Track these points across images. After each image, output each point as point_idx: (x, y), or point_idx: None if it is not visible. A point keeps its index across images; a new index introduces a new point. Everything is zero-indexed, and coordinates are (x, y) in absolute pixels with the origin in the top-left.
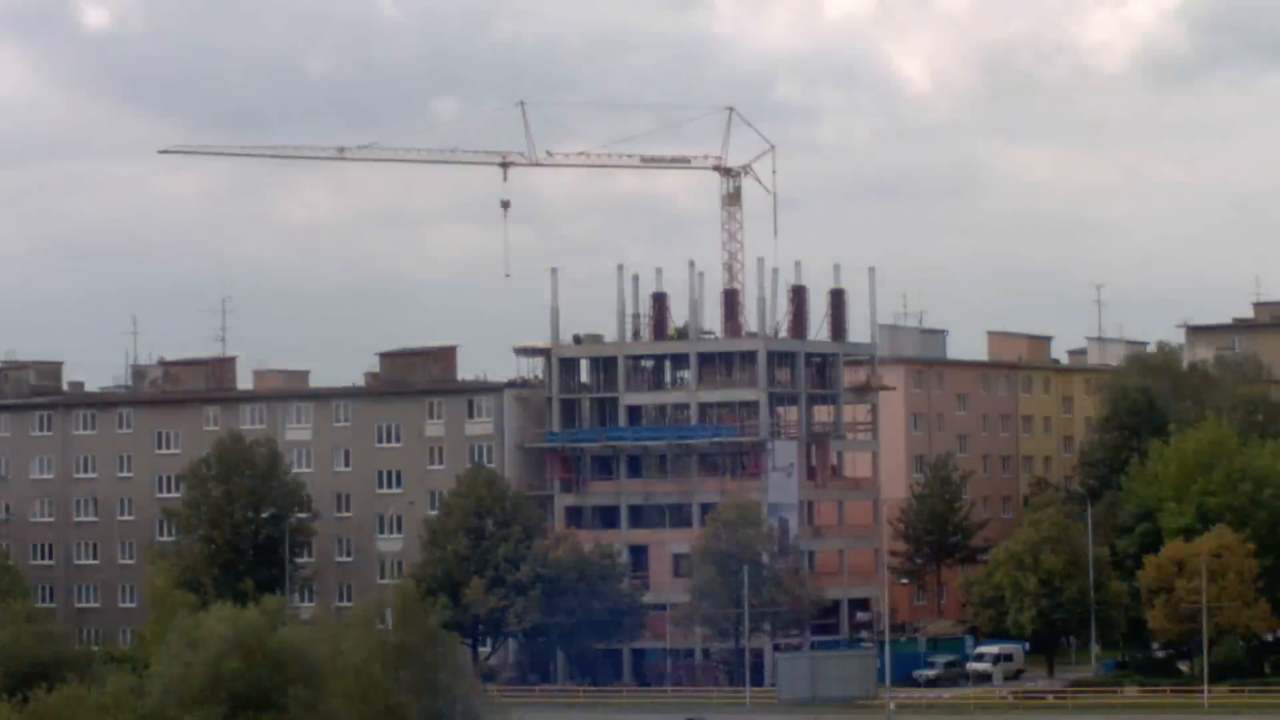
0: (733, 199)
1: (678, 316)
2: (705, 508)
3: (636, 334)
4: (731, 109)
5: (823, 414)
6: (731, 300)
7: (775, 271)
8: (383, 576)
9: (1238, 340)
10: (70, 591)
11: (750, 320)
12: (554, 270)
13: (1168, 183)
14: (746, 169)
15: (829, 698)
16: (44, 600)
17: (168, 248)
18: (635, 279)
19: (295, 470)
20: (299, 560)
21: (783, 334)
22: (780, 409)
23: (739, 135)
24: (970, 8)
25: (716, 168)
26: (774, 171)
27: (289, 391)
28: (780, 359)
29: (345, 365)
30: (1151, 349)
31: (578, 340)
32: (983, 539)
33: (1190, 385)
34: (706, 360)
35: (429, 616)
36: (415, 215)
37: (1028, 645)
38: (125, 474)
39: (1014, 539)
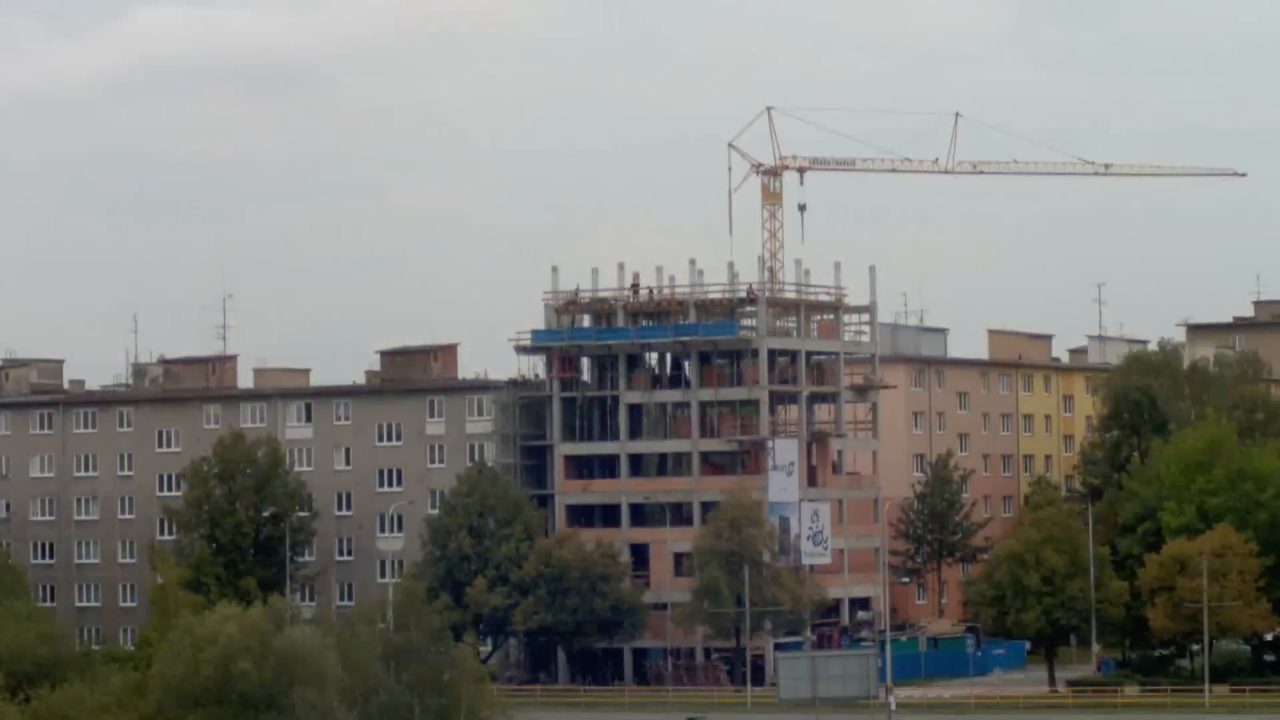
0: (773, 198)
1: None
2: (706, 507)
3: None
4: (770, 108)
5: (823, 413)
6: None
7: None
8: (383, 575)
9: (1238, 339)
10: (71, 591)
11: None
12: (554, 268)
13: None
14: (782, 168)
15: (829, 698)
16: (44, 600)
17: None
18: (636, 277)
19: (296, 469)
20: (300, 559)
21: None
22: (780, 408)
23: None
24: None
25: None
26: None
27: (289, 390)
28: (780, 357)
29: (345, 364)
30: (1151, 348)
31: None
32: (983, 538)
33: (1190, 385)
34: (706, 359)
35: (431, 616)
36: None
37: (1029, 644)
38: (125, 473)
39: (1014, 538)
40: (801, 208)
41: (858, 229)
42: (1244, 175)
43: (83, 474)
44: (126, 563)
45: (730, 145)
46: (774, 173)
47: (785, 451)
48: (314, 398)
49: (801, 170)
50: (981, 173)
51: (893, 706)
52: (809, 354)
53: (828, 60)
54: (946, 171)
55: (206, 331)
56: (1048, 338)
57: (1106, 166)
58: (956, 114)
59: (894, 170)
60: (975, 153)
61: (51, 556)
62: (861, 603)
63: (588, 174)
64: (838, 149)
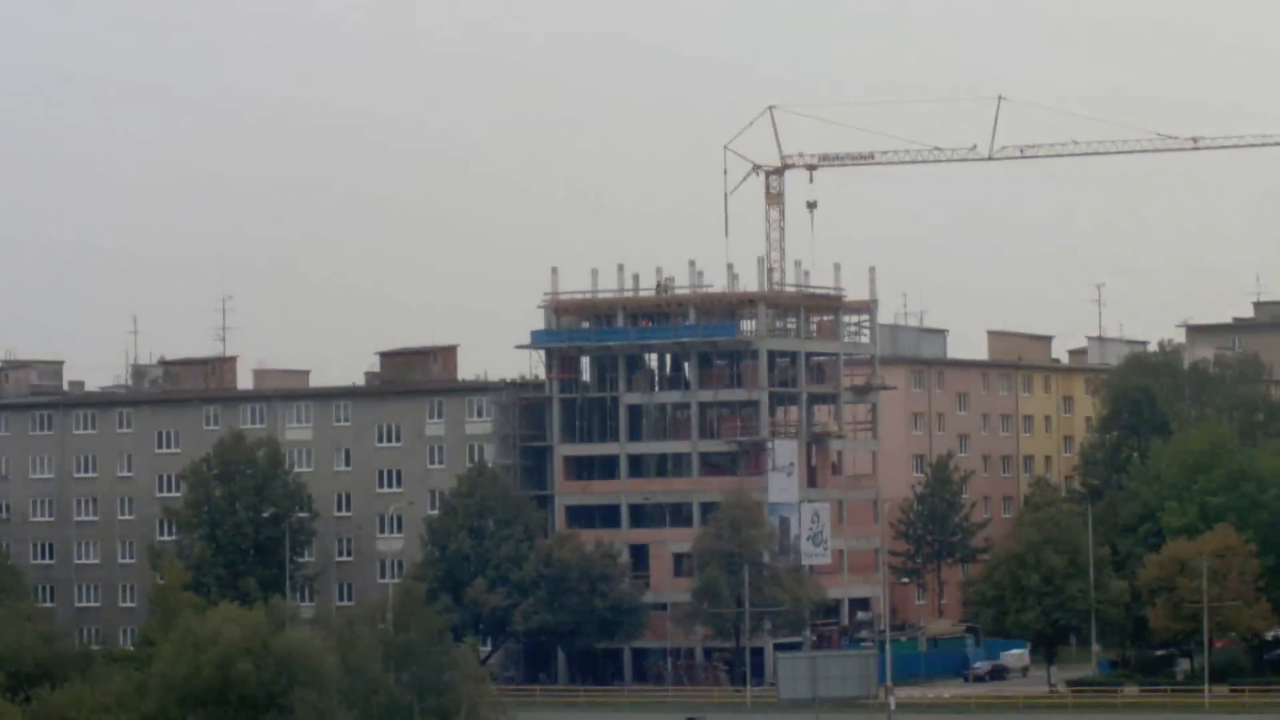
0: (775, 199)
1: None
2: (706, 508)
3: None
4: (772, 108)
5: (822, 414)
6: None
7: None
8: (383, 576)
9: (1238, 340)
10: (70, 591)
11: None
12: (554, 269)
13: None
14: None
15: (829, 698)
16: (44, 600)
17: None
18: (636, 278)
19: (295, 470)
20: (299, 560)
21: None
22: (780, 409)
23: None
24: None
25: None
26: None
27: (289, 391)
28: (780, 359)
29: (345, 365)
30: (1151, 349)
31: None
32: (983, 539)
33: (1190, 385)
34: (706, 360)
35: (431, 616)
36: None
37: (1028, 644)
38: (125, 474)
39: (1014, 539)
40: (811, 205)
41: (858, 230)
42: None
43: (82, 475)
44: (126, 563)
45: (726, 147)
46: (777, 173)
47: (785, 452)
48: (314, 399)
49: (810, 168)
50: (1029, 156)
51: (892, 706)
52: (809, 355)
53: (833, 53)
54: (988, 158)
55: (206, 332)
56: (1047, 338)
57: (1195, 140)
58: (999, 96)
59: (922, 161)
60: (1016, 137)
61: (51, 557)
62: (861, 603)
63: (587, 174)
64: (851, 144)
